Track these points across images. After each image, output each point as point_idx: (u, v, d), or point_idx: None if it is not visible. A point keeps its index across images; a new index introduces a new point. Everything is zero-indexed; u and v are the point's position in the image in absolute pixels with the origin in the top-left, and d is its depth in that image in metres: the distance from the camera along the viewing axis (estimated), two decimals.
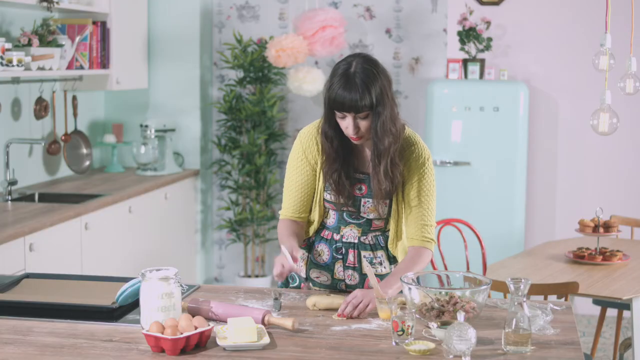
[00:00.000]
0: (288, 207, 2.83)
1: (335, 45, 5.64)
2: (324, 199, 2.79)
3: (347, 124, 2.62)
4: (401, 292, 2.78)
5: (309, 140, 2.79)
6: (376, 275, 2.76)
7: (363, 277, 2.80)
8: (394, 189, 2.72)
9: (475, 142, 5.60)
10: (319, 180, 2.79)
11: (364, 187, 2.75)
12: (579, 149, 5.88)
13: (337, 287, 2.83)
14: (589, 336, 5.36)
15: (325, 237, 2.83)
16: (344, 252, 2.80)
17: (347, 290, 2.82)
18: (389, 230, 2.82)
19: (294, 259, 2.59)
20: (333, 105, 2.61)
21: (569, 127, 5.88)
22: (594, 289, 3.64)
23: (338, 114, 2.62)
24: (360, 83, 2.57)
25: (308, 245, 2.87)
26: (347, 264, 2.80)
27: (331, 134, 2.68)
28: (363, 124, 2.62)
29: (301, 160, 2.79)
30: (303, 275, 2.69)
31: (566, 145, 5.90)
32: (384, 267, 2.82)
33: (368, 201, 2.75)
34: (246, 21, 6.19)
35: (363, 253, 2.80)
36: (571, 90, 5.85)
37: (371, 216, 2.77)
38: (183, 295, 2.72)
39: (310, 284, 2.87)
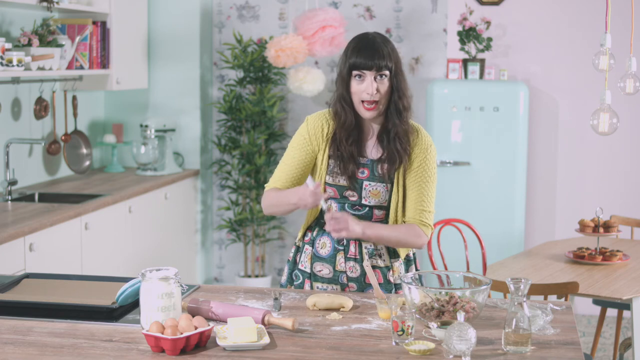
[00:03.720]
0: (279, 179, 2.85)
1: (335, 45, 5.64)
2: (325, 182, 2.80)
3: (365, 85, 2.68)
4: (400, 290, 2.79)
5: (315, 123, 2.83)
6: (375, 267, 2.78)
7: (364, 269, 2.81)
8: (403, 160, 2.76)
9: (475, 142, 5.60)
10: (321, 165, 2.81)
11: (366, 171, 2.79)
12: (579, 149, 5.88)
13: (339, 280, 2.84)
14: (589, 336, 5.36)
15: (327, 229, 2.84)
16: (345, 243, 2.82)
17: (348, 284, 2.83)
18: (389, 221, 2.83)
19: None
20: (354, 66, 2.68)
21: (569, 127, 5.89)
22: (594, 289, 3.64)
23: (356, 76, 2.69)
24: (380, 44, 2.70)
25: (311, 239, 2.88)
26: (348, 255, 2.82)
27: (349, 100, 2.74)
28: (382, 86, 2.69)
29: (305, 141, 2.83)
30: (325, 206, 2.69)
31: (566, 145, 5.90)
32: (384, 260, 2.84)
33: (370, 184, 2.78)
34: (246, 21, 6.19)
35: (364, 244, 2.81)
36: (571, 90, 5.85)
37: (372, 202, 2.79)
38: (183, 295, 2.72)
39: (312, 281, 2.88)
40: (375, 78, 2.68)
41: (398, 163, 2.76)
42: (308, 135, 2.82)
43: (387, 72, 2.69)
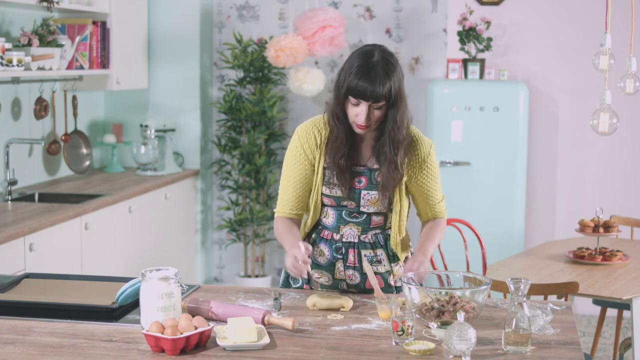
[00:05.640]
0: (285, 203, 2.82)
1: (334, 45, 5.64)
2: (322, 193, 2.79)
3: (359, 111, 2.62)
4: (401, 291, 2.79)
5: (307, 135, 2.79)
6: (376, 273, 2.76)
7: (364, 276, 2.80)
8: (400, 179, 2.74)
9: (475, 142, 5.60)
10: (317, 176, 2.79)
11: (363, 180, 2.76)
12: (579, 149, 5.88)
13: (338, 287, 2.83)
14: (589, 336, 5.36)
15: (325, 237, 2.83)
16: (344, 251, 2.80)
17: (348, 290, 2.82)
18: (389, 228, 2.82)
19: (307, 253, 2.58)
20: (351, 92, 2.61)
21: (569, 127, 5.89)
22: (594, 289, 3.64)
23: (353, 100, 2.62)
24: (382, 73, 2.59)
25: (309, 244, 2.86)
26: (347, 264, 2.81)
27: (342, 117, 2.69)
28: (376, 114, 2.63)
29: (300, 155, 2.79)
30: (305, 276, 2.64)
31: (566, 145, 5.90)
32: (384, 266, 2.82)
33: (368, 193, 2.75)
34: (246, 21, 6.19)
35: (363, 252, 2.80)
36: (571, 90, 5.85)
37: (371, 210, 2.77)
38: (183, 295, 2.72)
39: (311, 286, 2.87)
40: (369, 107, 2.61)
41: (387, 185, 2.73)
42: (302, 149, 2.78)
43: (384, 102, 2.61)
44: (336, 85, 2.68)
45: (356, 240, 2.80)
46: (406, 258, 2.87)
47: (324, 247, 2.83)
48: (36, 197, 4.82)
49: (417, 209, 2.88)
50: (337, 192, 2.76)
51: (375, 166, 2.76)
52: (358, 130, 2.68)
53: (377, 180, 2.75)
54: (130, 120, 6.04)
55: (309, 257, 2.58)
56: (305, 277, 2.64)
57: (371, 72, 2.59)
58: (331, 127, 2.72)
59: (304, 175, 2.79)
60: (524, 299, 2.24)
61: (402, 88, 2.65)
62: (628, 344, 4.40)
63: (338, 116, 2.69)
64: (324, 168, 2.78)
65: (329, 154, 2.73)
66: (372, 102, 2.60)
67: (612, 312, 5.70)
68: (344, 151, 2.72)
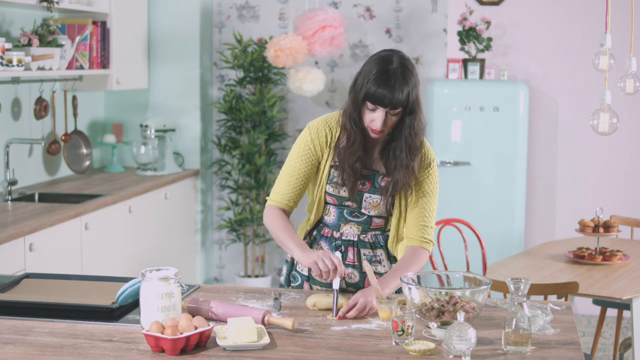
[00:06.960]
0: (282, 194, 2.80)
1: (334, 45, 5.64)
2: (325, 192, 2.79)
3: (376, 116, 2.62)
4: (401, 291, 2.79)
5: (318, 131, 2.78)
6: (375, 273, 2.76)
7: (363, 275, 2.80)
8: (415, 184, 2.74)
9: (475, 142, 5.60)
10: (322, 173, 2.79)
11: (367, 183, 2.76)
12: (579, 149, 5.88)
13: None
14: (589, 336, 5.36)
15: (325, 234, 2.84)
16: (343, 249, 2.81)
17: (347, 288, 2.82)
18: (389, 230, 2.83)
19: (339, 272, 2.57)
20: (370, 98, 2.60)
21: (569, 127, 5.89)
22: (594, 289, 3.64)
23: (370, 105, 2.62)
24: (400, 80, 2.59)
25: (309, 243, 2.87)
26: (346, 262, 2.81)
27: (358, 121, 2.68)
28: (392, 120, 2.64)
29: (309, 149, 2.78)
30: (337, 286, 2.60)
31: (566, 145, 5.90)
32: (384, 266, 2.82)
33: (370, 196, 2.76)
34: (246, 21, 6.19)
35: (362, 251, 2.80)
36: (571, 90, 5.85)
37: (372, 213, 2.78)
38: (183, 295, 2.72)
39: (311, 284, 2.88)
40: (386, 113, 2.61)
41: (400, 190, 2.73)
42: (312, 145, 2.78)
43: (401, 108, 2.61)
44: (353, 90, 2.67)
45: (355, 239, 2.80)
46: None
47: (324, 245, 2.83)
48: (36, 197, 4.82)
49: (406, 227, 2.80)
50: (341, 191, 2.76)
51: (382, 171, 2.76)
52: (372, 135, 2.68)
53: (380, 184, 2.75)
54: (130, 120, 6.04)
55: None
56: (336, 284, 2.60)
57: (390, 80, 2.58)
58: (348, 132, 2.71)
59: (308, 170, 2.79)
60: (524, 299, 2.24)
61: (419, 94, 2.66)
62: (628, 344, 4.40)
63: (355, 120, 2.69)
64: (331, 167, 2.78)
65: (345, 157, 2.72)
66: (389, 108, 2.60)
67: (612, 312, 5.70)
68: (359, 155, 2.72)
